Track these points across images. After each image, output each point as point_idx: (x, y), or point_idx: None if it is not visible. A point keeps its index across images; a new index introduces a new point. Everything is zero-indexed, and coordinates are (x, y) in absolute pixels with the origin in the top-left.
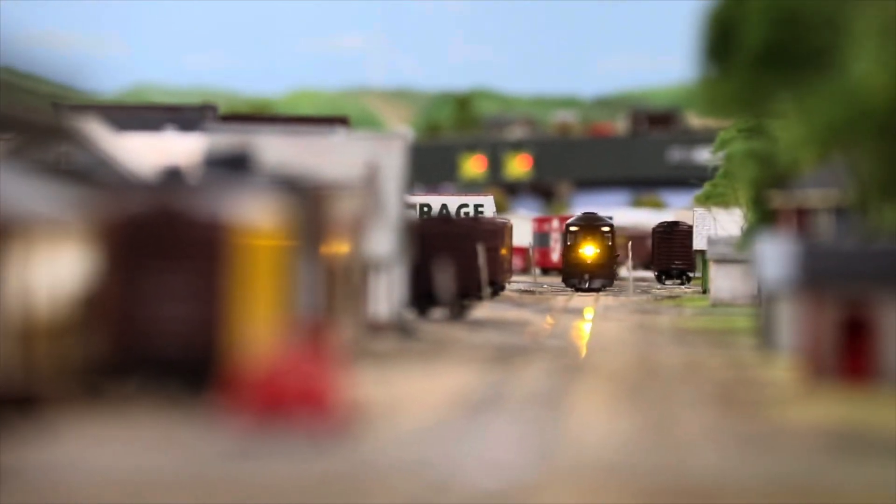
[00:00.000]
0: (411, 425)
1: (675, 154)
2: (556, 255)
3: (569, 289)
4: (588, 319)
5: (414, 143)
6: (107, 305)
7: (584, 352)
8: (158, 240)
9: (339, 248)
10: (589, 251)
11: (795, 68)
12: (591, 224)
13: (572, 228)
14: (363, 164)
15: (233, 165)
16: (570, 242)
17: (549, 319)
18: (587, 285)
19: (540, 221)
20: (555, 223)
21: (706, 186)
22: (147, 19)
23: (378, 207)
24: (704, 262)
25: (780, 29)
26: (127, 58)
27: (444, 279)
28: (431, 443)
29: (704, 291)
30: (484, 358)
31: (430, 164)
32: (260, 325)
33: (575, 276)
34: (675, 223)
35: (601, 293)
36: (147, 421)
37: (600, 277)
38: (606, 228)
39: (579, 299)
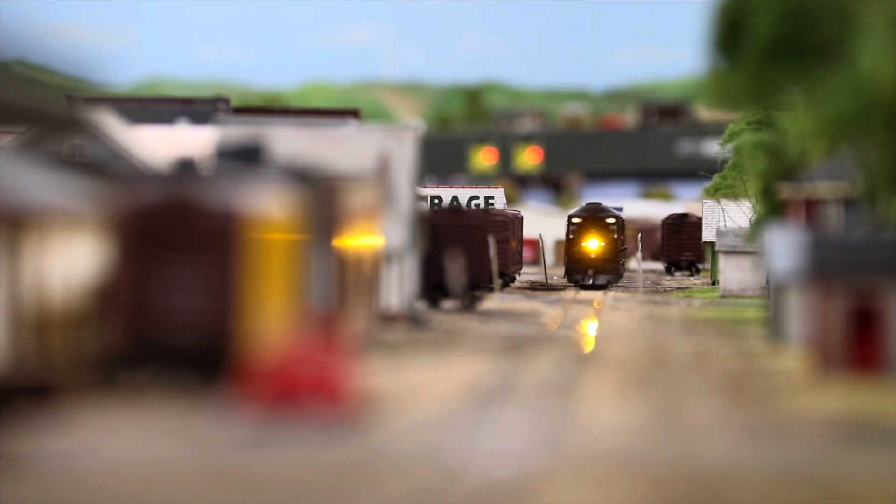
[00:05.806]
0: (423, 415)
1: (685, 146)
2: None
3: (571, 284)
4: (598, 310)
5: (425, 136)
6: (121, 296)
7: (593, 342)
8: (172, 231)
9: (352, 239)
10: (592, 244)
11: (804, 61)
12: (594, 216)
13: (574, 220)
14: (374, 156)
15: (245, 157)
16: (572, 235)
17: (559, 310)
18: (590, 281)
19: None
20: None
21: (715, 178)
22: (160, 12)
23: (389, 199)
24: (713, 254)
25: (789, 21)
26: (140, 51)
27: (455, 270)
28: (443, 432)
29: (713, 283)
30: (494, 348)
31: (441, 156)
32: (273, 316)
33: (577, 272)
34: (685, 215)
35: (608, 289)
36: (161, 410)
37: (605, 273)
38: (612, 220)
39: (589, 291)
